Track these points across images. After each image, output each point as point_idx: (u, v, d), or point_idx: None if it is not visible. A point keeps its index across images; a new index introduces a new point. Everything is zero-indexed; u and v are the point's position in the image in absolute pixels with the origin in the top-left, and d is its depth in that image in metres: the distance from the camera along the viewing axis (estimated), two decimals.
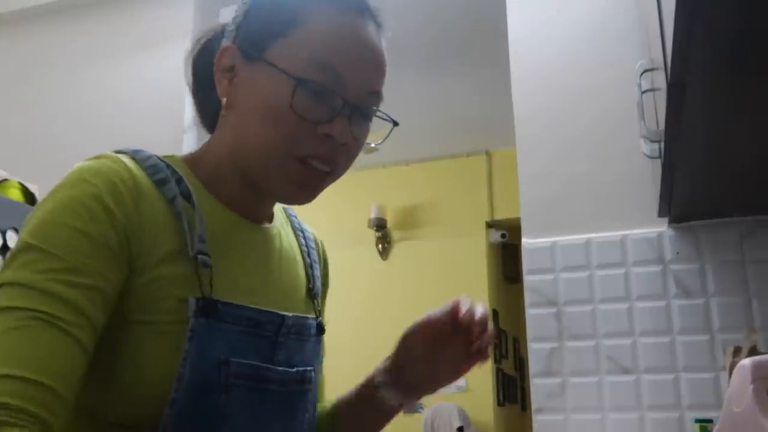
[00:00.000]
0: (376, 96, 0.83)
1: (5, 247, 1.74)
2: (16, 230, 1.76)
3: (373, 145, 0.87)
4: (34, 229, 0.71)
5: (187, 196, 0.79)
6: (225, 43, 0.84)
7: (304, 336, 0.87)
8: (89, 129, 2.49)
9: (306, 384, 0.86)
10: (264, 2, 0.84)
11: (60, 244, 0.69)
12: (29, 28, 2.78)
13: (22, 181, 1.98)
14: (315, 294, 0.94)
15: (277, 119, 0.78)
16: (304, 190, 0.82)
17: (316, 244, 1.01)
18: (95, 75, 2.63)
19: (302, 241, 0.98)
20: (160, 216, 0.76)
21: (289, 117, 0.77)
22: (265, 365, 0.80)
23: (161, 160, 0.82)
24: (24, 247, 0.70)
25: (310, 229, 1.02)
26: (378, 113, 0.85)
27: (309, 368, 0.86)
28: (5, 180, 1.95)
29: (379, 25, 0.85)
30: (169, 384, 0.72)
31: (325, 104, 0.78)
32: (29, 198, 1.97)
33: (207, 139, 0.90)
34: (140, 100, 2.51)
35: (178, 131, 2.42)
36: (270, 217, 0.91)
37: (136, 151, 0.81)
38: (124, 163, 0.77)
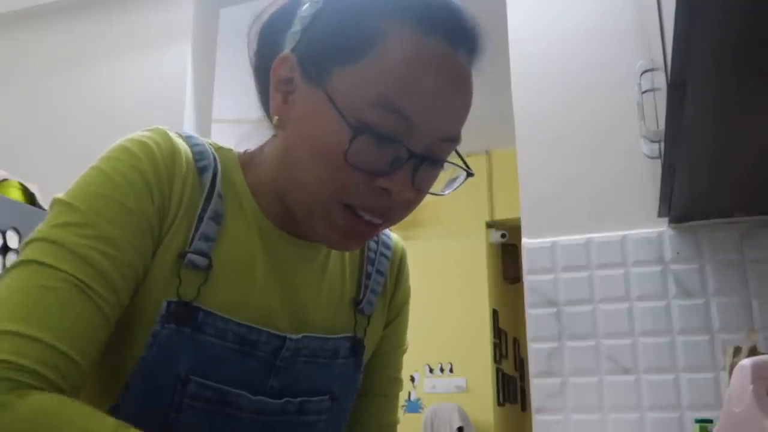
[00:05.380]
0: (453, 142, 0.71)
1: (5, 247, 1.74)
2: (16, 230, 1.76)
3: (438, 194, 0.74)
4: (78, 193, 0.68)
5: (214, 191, 0.73)
6: (287, 49, 0.72)
7: (321, 359, 0.78)
8: (89, 129, 2.49)
9: (306, 415, 0.77)
10: (337, 10, 0.70)
11: (100, 213, 0.66)
12: (28, 29, 2.79)
13: (22, 181, 1.98)
14: (362, 309, 0.83)
15: (328, 164, 0.67)
16: (349, 239, 0.72)
17: (395, 252, 0.91)
18: (95, 75, 2.63)
19: (372, 246, 0.87)
20: (190, 205, 0.72)
21: (341, 165, 0.66)
22: (238, 391, 0.71)
23: (211, 150, 0.76)
24: (65, 208, 0.67)
25: (392, 235, 0.92)
26: (449, 161, 0.73)
27: (315, 398, 0.78)
28: (5, 180, 1.95)
29: (472, 50, 0.71)
30: (120, 384, 0.69)
31: (387, 154, 0.67)
32: (29, 198, 1.97)
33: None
34: (140, 101, 2.51)
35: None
36: None
37: (190, 136, 0.77)
38: (172, 140, 0.73)
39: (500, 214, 5.11)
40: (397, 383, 0.95)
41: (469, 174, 0.74)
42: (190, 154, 0.74)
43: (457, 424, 4.53)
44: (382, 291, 0.88)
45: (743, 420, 0.88)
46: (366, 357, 0.86)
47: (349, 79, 0.66)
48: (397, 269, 0.91)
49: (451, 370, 4.95)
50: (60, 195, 0.69)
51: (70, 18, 2.73)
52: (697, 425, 1.45)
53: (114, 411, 0.68)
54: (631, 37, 1.89)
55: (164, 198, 0.70)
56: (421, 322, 4.97)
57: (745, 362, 0.89)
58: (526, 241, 1.88)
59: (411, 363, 5.08)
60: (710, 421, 1.45)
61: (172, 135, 0.74)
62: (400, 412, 4.85)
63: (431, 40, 0.67)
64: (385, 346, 0.91)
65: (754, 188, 1.51)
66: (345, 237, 0.72)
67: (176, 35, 2.55)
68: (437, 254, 5.07)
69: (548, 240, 1.86)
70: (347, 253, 0.85)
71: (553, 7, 2.03)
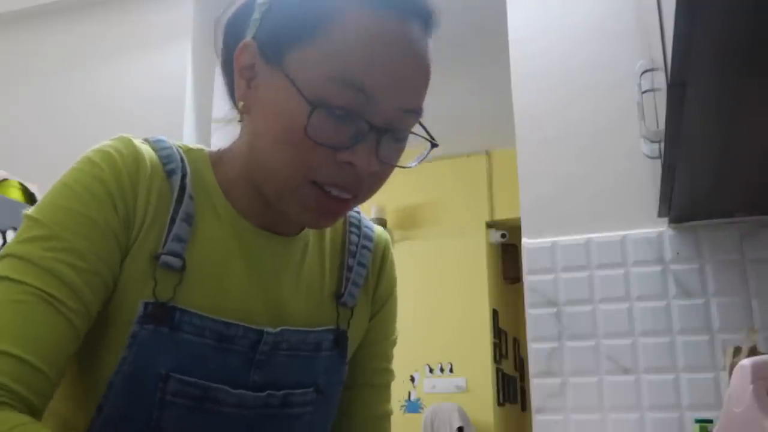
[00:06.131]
0: (414, 113, 0.73)
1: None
2: (16, 230, 1.76)
3: (404, 166, 0.75)
4: (43, 207, 0.70)
5: (184, 192, 0.75)
6: (248, 36, 0.74)
7: (303, 352, 0.79)
8: (89, 129, 2.49)
9: (290, 408, 0.77)
10: None
11: (65, 225, 0.68)
12: (28, 29, 2.78)
13: (22, 181, 1.98)
14: (344, 302, 0.84)
15: (291, 142, 0.69)
16: (322, 217, 0.74)
17: (377, 244, 0.91)
18: (95, 75, 2.63)
19: (353, 239, 0.88)
20: (159, 208, 0.73)
21: (304, 141, 0.68)
22: (217, 385, 0.72)
23: (179, 152, 0.77)
24: (32, 223, 0.69)
25: (374, 227, 0.92)
26: (414, 131, 0.74)
27: (299, 391, 0.78)
28: (5, 180, 1.95)
29: (426, 24, 0.73)
30: (103, 386, 0.70)
31: (348, 128, 0.68)
32: (29, 198, 1.96)
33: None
34: (140, 101, 2.51)
35: (178, 133, 2.42)
36: (295, 227, 0.82)
37: (157, 140, 0.78)
38: (135, 148, 0.74)
39: (500, 214, 5.10)
40: (385, 373, 0.94)
41: (434, 144, 0.75)
42: (156, 159, 0.75)
43: (457, 424, 4.53)
44: (364, 283, 0.88)
45: (743, 420, 0.88)
46: (351, 349, 0.86)
47: (306, 57, 0.68)
48: (380, 261, 0.92)
49: (451, 370, 4.95)
50: (32, 210, 0.71)
51: (70, 18, 2.73)
52: (697, 425, 1.45)
53: (98, 412, 0.70)
54: (631, 37, 1.89)
55: (128, 205, 0.71)
56: (421, 322, 4.99)
57: (745, 362, 0.89)
58: (526, 241, 1.88)
59: (411, 363, 5.09)
60: (710, 421, 1.45)
61: (136, 142, 0.75)
62: (400, 412, 4.85)
63: (384, 15, 0.69)
64: (370, 338, 0.91)
65: (754, 188, 1.51)
66: (317, 215, 0.73)
67: (176, 35, 2.55)
68: (437, 254, 5.06)
69: (548, 240, 1.86)
70: (327, 248, 0.86)
71: (554, 7, 2.03)
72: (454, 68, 3.86)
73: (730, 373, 1.16)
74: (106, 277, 0.69)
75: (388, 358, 0.94)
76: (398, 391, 4.85)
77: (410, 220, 5.26)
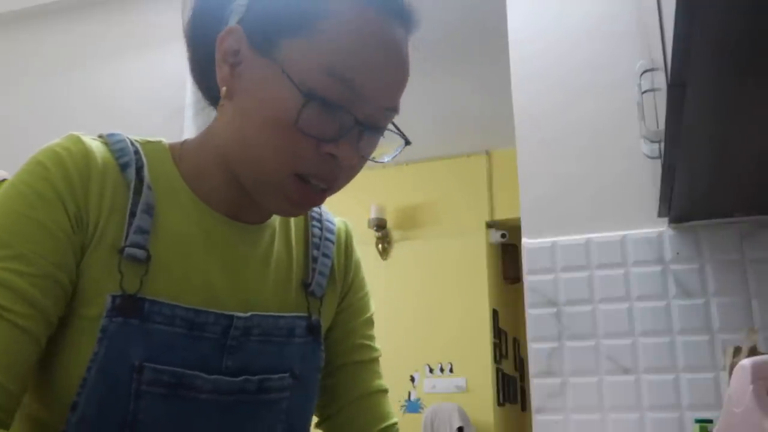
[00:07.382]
0: (393, 111, 0.75)
1: None
2: None
3: (378, 160, 0.78)
4: None
5: (142, 184, 0.74)
6: (231, 21, 0.74)
7: (276, 337, 0.79)
8: (89, 129, 2.49)
9: (266, 393, 0.77)
10: None
11: (9, 231, 0.67)
12: (28, 29, 2.79)
13: None
14: (312, 291, 0.85)
15: (279, 131, 0.70)
16: (298, 207, 0.77)
17: (338, 236, 0.93)
18: (95, 75, 2.63)
19: (316, 232, 0.89)
20: (115, 202, 0.72)
21: (292, 132, 0.69)
22: (192, 372, 0.72)
23: (132, 145, 0.77)
24: None
25: (335, 219, 0.94)
26: (390, 128, 0.77)
27: (275, 376, 0.78)
28: (5, 180, 1.95)
29: (408, 27, 0.75)
30: (77, 381, 0.69)
31: (334, 121, 0.70)
32: None
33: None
34: (140, 101, 2.51)
35: (178, 133, 2.42)
36: (262, 215, 0.83)
37: (111, 134, 0.78)
38: (84, 145, 0.74)
39: (500, 214, 5.10)
40: (366, 349, 0.94)
41: (407, 142, 0.78)
42: (109, 153, 0.75)
43: (457, 424, 4.53)
44: (330, 273, 0.89)
45: (743, 420, 0.88)
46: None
47: (298, 49, 0.69)
48: (344, 251, 0.93)
49: (451, 370, 4.95)
50: None
51: (70, 18, 2.73)
52: (697, 425, 1.46)
53: (72, 411, 0.69)
54: (631, 37, 1.89)
55: (79, 204, 0.71)
56: (421, 322, 4.99)
57: (745, 362, 0.89)
58: (526, 241, 1.88)
59: (411, 363, 5.08)
60: (710, 421, 1.45)
61: (86, 138, 0.75)
62: (400, 412, 4.84)
63: (374, 15, 0.71)
64: (342, 318, 0.92)
65: (754, 188, 1.51)
66: (295, 205, 0.75)
67: (176, 35, 2.54)
68: (437, 254, 5.06)
69: (548, 240, 1.85)
70: (293, 239, 0.87)
71: (553, 7, 2.03)
72: (454, 68, 3.86)
73: (730, 373, 1.16)
74: (59, 278, 0.68)
75: (365, 336, 0.94)
76: (398, 391, 4.85)
77: (410, 220, 5.25)
